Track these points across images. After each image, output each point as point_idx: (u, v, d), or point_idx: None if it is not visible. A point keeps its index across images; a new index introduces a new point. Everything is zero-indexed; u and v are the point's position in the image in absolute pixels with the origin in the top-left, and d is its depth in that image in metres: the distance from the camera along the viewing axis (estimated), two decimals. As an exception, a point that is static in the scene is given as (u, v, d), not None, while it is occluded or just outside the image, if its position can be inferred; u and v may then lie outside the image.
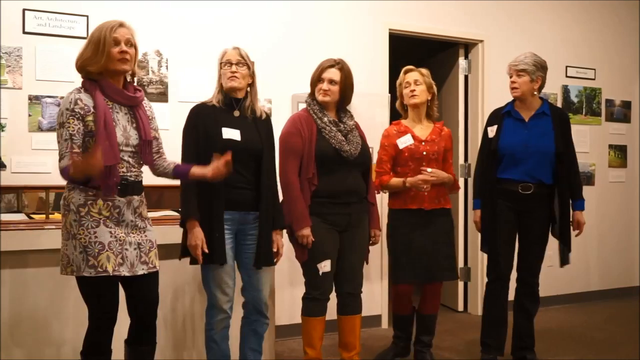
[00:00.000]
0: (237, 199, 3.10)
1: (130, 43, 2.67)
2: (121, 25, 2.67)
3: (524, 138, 3.81)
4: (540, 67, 3.84)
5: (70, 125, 2.58)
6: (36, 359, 3.20)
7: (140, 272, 2.69)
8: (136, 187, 2.72)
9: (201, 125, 3.08)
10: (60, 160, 2.58)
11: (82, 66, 2.66)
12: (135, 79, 2.84)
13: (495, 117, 3.99)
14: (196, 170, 2.84)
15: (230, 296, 3.13)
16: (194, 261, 3.09)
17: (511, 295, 4.03)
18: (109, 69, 2.63)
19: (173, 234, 3.22)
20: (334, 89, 3.46)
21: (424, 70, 3.84)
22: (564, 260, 3.95)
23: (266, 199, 3.16)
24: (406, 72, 3.83)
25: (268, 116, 3.34)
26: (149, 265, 2.73)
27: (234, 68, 3.14)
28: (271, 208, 3.19)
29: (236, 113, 3.18)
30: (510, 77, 3.86)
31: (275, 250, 3.22)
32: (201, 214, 3.03)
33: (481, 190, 3.92)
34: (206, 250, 3.00)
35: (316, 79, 3.49)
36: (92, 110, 2.60)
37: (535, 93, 3.86)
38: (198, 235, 3.00)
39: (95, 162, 2.42)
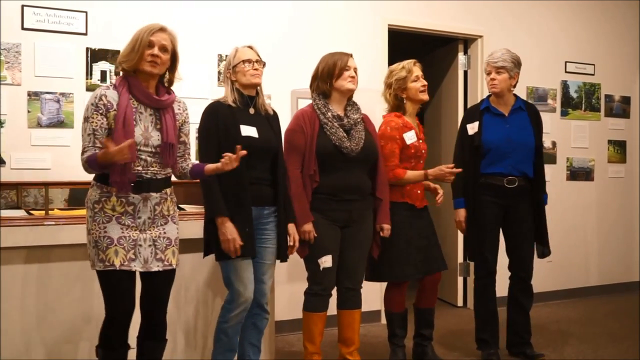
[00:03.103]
0: (255, 195, 3.13)
1: (165, 48, 2.74)
2: (161, 29, 2.75)
3: (507, 132, 3.87)
4: (517, 64, 3.92)
5: (94, 121, 2.66)
6: (36, 353, 3.21)
7: (155, 269, 2.75)
8: (154, 185, 2.76)
9: (221, 124, 3.09)
10: (82, 154, 2.66)
11: (119, 62, 2.74)
12: (174, 84, 2.90)
13: (474, 113, 4.01)
14: (210, 166, 2.88)
15: (250, 290, 3.16)
16: (220, 257, 3.10)
17: (503, 291, 4.06)
18: (139, 69, 2.71)
19: (184, 230, 3.20)
20: (357, 77, 3.51)
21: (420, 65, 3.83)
22: (543, 253, 4.01)
23: (283, 194, 3.23)
24: (415, 64, 3.77)
25: (276, 112, 3.39)
26: (165, 262, 2.78)
27: (255, 65, 3.19)
28: (287, 204, 3.27)
29: (252, 110, 3.22)
30: (489, 74, 3.90)
31: (291, 243, 3.30)
32: (230, 209, 3.05)
33: (465, 188, 3.92)
34: (241, 243, 3.03)
35: (342, 68, 3.44)
36: (115, 107, 2.67)
37: (512, 89, 3.93)
38: (232, 230, 3.02)
39: (113, 153, 2.48)
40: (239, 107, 3.18)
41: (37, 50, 3.97)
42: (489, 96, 4.00)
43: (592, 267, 6.16)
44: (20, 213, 3.44)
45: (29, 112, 3.94)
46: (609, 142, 6.25)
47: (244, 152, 2.80)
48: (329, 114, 3.44)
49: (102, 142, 2.55)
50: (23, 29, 3.94)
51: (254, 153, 3.06)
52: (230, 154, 2.77)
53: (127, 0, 4.20)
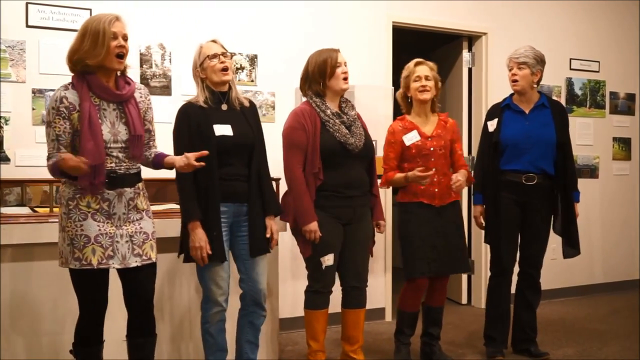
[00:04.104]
0: (231, 191, 3.10)
1: (126, 38, 2.67)
2: (117, 19, 2.66)
3: (526, 129, 3.84)
4: (540, 61, 3.89)
5: (57, 125, 2.60)
6: (36, 349, 3.22)
7: (133, 265, 2.70)
8: (127, 180, 2.71)
9: (194, 125, 3.05)
10: (48, 160, 2.61)
11: (80, 59, 2.61)
12: (127, 72, 2.80)
13: (495, 110, 4.01)
14: (169, 158, 2.86)
15: (224, 289, 3.15)
16: (187, 259, 3.10)
17: (511, 289, 4.04)
18: (105, 65, 2.62)
19: (175, 228, 3.22)
20: (348, 71, 3.47)
21: (432, 64, 3.78)
22: (569, 253, 3.97)
23: (256, 189, 3.16)
24: (417, 64, 3.74)
25: (252, 103, 3.32)
26: (143, 257, 2.73)
27: (222, 58, 3.11)
28: (266, 196, 3.19)
29: (224, 107, 3.16)
30: (511, 69, 3.89)
31: (268, 235, 3.21)
32: (200, 210, 3.03)
33: (484, 184, 3.90)
34: (209, 252, 3.01)
35: (333, 66, 3.40)
36: (77, 108, 2.60)
37: (535, 86, 3.90)
38: (202, 237, 3.00)
39: (77, 168, 2.46)
40: (210, 106, 3.12)
41: (41, 47, 3.97)
42: (512, 94, 3.98)
43: (596, 265, 6.15)
44: (25, 210, 3.45)
45: (33, 109, 3.94)
46: (614, 139, 6.22)
47: (205, 152, 2.79)
48: (328, 111, 3.42)
49: (61, 155, 2.49)
50: (27, 26, 3.94)
51: (230, 151, 3.03)
52: (187, 158, 2.74)
53: (131, -2, 4.21)
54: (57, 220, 3.15)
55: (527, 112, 3.89)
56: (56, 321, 3.22)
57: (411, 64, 3.77)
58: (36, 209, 3.52)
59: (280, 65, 4.62)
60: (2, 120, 3.87)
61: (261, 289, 3.24)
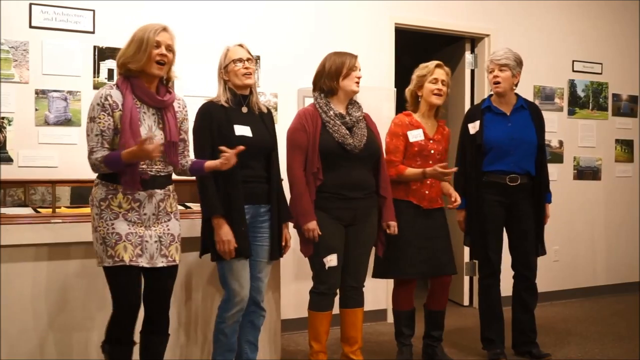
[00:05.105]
0: (251, 193, 3.16)
1: (170, 48, 2.80)
2: (164, 29, 2.80)
3: (509, 130, 3.87)
4: (519, 63, 3.93)
5: (101, 121, 2.70)
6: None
7: (160, 265, 2.79)
8: (158, 182, 2.81)
9: (215, 125, 3.11)
10: (91, 155, 2.69)
11: (123, 63, 2.76)
12: (171, 82, 2.95)
13: (475, 113, 4.02)
14: (209, 163, 2.93)
15: (246, 289, 3.18)
16: (216, 257, 3.12)
17: (508, 291, 4.06)
18: (145, 70, 2.74)
19: (186, 229, 3.22)
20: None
21: (449, 71, 3.82)
22: (538, 252, 4.00)
23: (277, 191, 3.25)
24: (438, 66, 3.76)
25: (269, 109, 3.41)
26: (169, 258, 2.82)
27: (246, 64, 3.19)
28: (281, 203, 3.29)
29: (244, 109, 3.23)
30: (491, 72, 3.91)
31: (284, 243, 3.33)
32: (223, 209, 3.07)
33: (467, 187, 3.91)
34: (236, 245, 3.05)
35: (350, 68, 3.43)
36: (120, 107, 2.71)
37: (514, 88, 3.94)
38: (228, 232, 3.05)
39: (147, 150, 2.56)
40: (231, 106, 3.19)
41: (44, 48, 3.97)
42: (490, 96, 4.01)
43: (599, 267, 6.14)
44: (28, 211, 3.45)
45: (36, 110, 3.95)
46: (617, 141, 6.22)
47: (242, 147, 2.88)
48: (331, 112, 3.44)
49: (139, 141, 2.59)
50: (31, 27, 3.95)
51: (249, 152, 3.07)
52: (226, 150, 2.84)
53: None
54: (60, 221, 3.21)
55: (508, 113, 3.92)
56: (65, 324, 3.22)
57: (431, 64, 3.78)
58: (39, 209, 3.53)
59: (282, 67, 4.62)
60: (5, 121, 3.88)
61: (262, 290, 3.30)
